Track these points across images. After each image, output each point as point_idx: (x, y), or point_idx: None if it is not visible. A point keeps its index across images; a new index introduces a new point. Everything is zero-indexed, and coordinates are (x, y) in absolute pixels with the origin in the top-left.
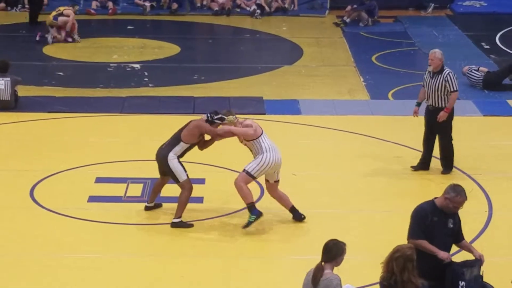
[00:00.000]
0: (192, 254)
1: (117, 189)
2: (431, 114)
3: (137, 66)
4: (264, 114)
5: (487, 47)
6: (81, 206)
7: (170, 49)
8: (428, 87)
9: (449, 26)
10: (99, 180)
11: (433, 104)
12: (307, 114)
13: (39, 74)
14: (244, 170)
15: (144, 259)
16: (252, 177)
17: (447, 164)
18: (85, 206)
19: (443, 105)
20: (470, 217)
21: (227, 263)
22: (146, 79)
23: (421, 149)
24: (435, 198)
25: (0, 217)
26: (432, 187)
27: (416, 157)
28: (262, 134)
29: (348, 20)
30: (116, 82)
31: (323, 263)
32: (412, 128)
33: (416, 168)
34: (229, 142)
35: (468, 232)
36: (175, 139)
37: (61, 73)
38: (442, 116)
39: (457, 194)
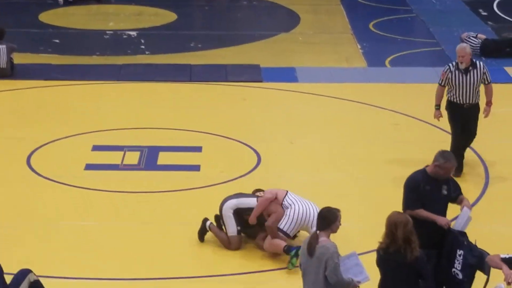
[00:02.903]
0: (188, 221)
1: (114, 157)
2: (465, 113)
3: (133, 33)
4: (261, 81)
5: (485, 13)
6: (78, 174)
7: (166, 16)
8: (462, 85)
9: None
10: (96, 148)
11: (470, 102)
12: (304, 81)
13: (35, 42)
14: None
15: (141, 226)
16: (286, 234)
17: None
18: (82, 174)
19: (477, 100)
20: (467, 185)
21: None
22: (143, 47)
23: (421, 116)
24: (426, 166)
25: None
26: (430, 154)
27: (413, 125)
28: (285, 196)
29: None
30: (112, 50)
31: (318, 231)
32: (409, 96)
33: (456, 174)
34: (226, 111)
35: None
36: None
37: (57, 41)
38: (489, 111)
39: (446, 161)
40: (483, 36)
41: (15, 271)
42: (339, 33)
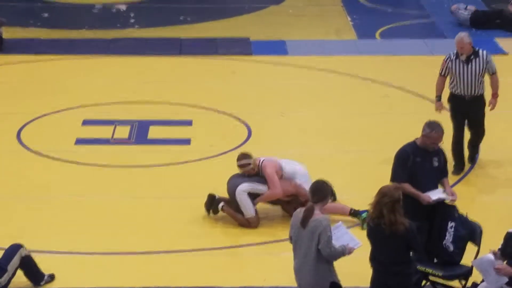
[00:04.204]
0: (178, 195)
1: (105, 131)
2: (468, 106)
3: (122, 7)
4: (251, 55)
5: None
6: (69, 148)
7: None
8: (463, 76)
9: None
10: (86, 122)
11: (472, 93)
12: (294, 54)
13: (24, 16)
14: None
15: (132, 200)
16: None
17: (473, 154)
18: (73, 148)
19: (481, 92)
20: None
21: None
22: (132, 21)
23: (411, 88)
24: (417, 138)
25: None
26: (420, 126)
27: (404, 97)
28: (282, 168)
29: None
30: (101, 24)
31: (313, 204)
32: (399, 68)
33: (457, 172)
34: (216, 84)
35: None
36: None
37: (46, 15)
38: (495, 104)
39: (432, 130)
40: (473, 8)
41: (6, 246)
42: (329, 6)
